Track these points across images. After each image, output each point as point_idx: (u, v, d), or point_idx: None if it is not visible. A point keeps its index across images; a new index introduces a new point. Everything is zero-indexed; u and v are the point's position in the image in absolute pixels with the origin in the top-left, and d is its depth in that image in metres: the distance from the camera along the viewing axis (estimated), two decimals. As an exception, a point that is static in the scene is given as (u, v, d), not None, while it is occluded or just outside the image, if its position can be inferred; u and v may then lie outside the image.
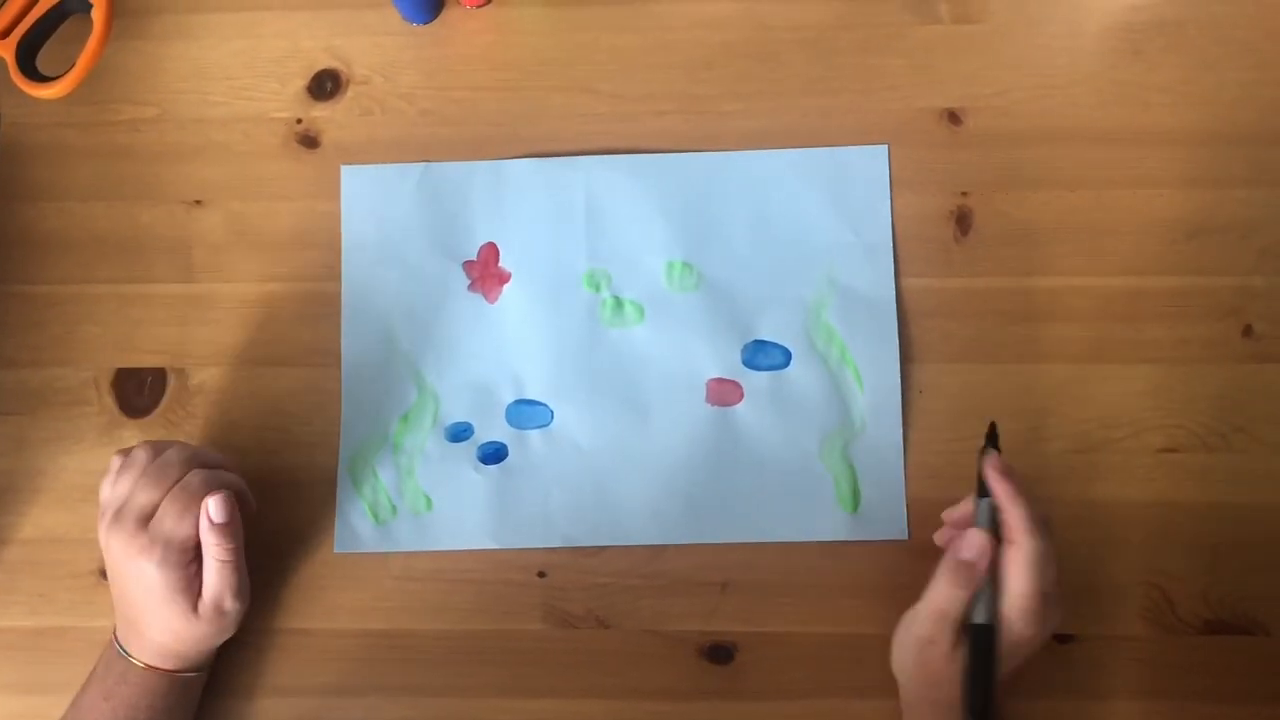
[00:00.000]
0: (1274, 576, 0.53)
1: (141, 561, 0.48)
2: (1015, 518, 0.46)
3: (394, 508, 0.55)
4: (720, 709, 0.53)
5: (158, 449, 0.51)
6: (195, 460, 0.51)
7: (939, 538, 0.51)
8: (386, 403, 0.56)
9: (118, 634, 0.51)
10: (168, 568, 0.49)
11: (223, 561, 0.49)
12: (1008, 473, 0.47)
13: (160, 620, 0.49)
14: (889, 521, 0.54)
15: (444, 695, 0.54)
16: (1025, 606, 0.46)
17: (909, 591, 0.53)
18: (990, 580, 0.47)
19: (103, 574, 0.55)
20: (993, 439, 0.49)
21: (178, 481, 0.50)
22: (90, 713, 0.50)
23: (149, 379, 0.57)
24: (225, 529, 0.49)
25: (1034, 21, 0.59)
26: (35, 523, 0.56)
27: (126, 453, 0.51)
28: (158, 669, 0.50)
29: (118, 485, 0.50)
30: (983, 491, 0.48)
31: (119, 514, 0.49)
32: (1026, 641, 0.46)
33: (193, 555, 0.50)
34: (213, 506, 0.49)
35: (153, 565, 0.48)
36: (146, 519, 0.49)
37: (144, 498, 0.49)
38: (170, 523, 0.49)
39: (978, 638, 0.46)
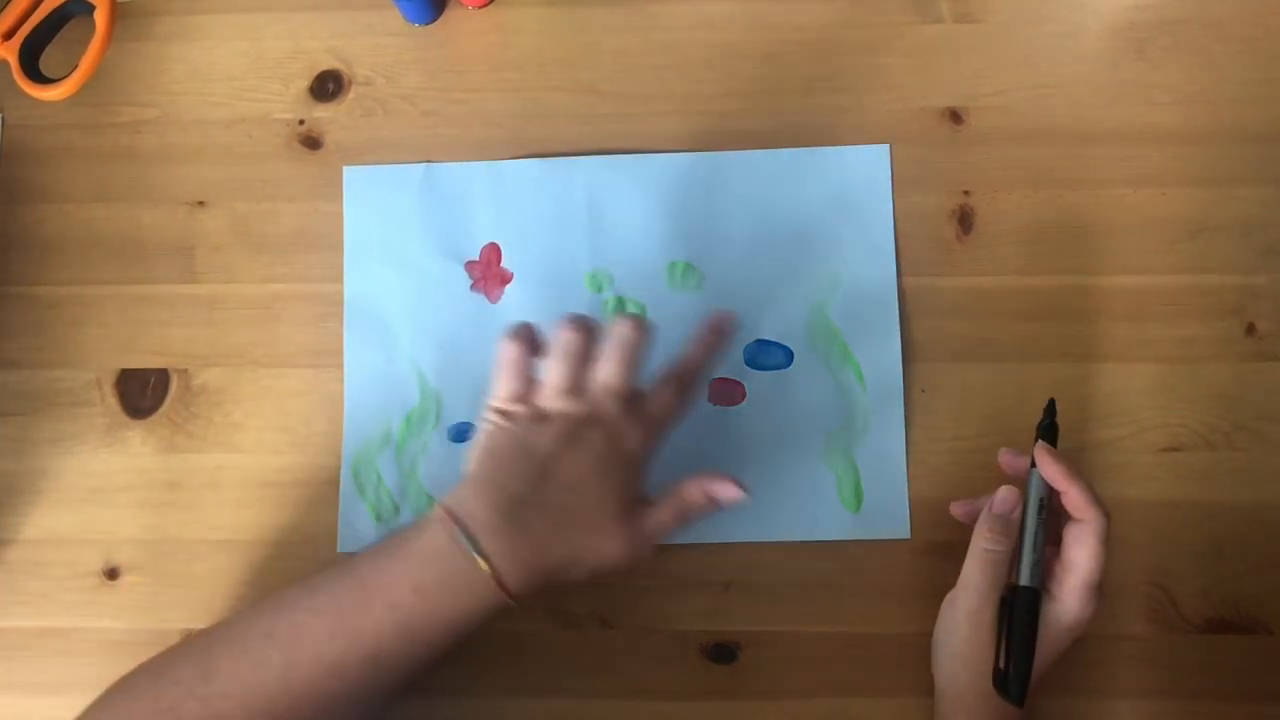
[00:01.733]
0: (1277, 575, 0.53)
1: (626, 430, 0.45)
2: (1079, 493, 0.47)
3: (397, 508, 0.56)
4: (723, 708, 0.53)
5: (590, 330, 0.46)
6: (647, 330, 0.47)
7: (955, 509, 0.52)
8: (389, 403, 0.56)
9: (476, 529, 0.43)
10: (650, 450, 0.45)
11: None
12: (1059, 455, 0.48)
13: (588, 515, 0.44)
14: (892, 521, 0.54)
15: (448, 695, 0.54)
16: (1092, 583, 0.46)
17: (912, 590, 0.53)
18: (1033, 546, 0.47)
19: (109, 574, 0.56)
20: (1050, 414, 0.50)
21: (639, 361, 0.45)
22: (386, 596, 0.42)
23: (152, 380, 0.58)
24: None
25: (1036, 20, 0.59)
26: (38, 524, 0.56)
27: (523, 339, 0.46)
28: (508, 584, 0.43)
29: (558, 369, 0.45)
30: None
31: (589, 392, 0.45)
32: (1081, 626, 0.47)
33: None
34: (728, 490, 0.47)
35: (641, 435, 0.45)
36: (630, 399, 0.45)
37: (626, 377, 0.45)
38: (669, 407, 0.46)
39: (1020, 601, 0.46)
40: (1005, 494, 0.49)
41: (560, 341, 0.47)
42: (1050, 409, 0.51)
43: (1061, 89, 0.58)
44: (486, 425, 0.48)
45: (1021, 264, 0.57)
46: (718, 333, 0.51)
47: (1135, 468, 0.54)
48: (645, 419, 0.47)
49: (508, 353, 0.47)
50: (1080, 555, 0.47)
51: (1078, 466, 0.48)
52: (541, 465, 0.45)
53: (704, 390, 0.54)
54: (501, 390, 0.48)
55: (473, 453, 0.47)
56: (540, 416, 0.46)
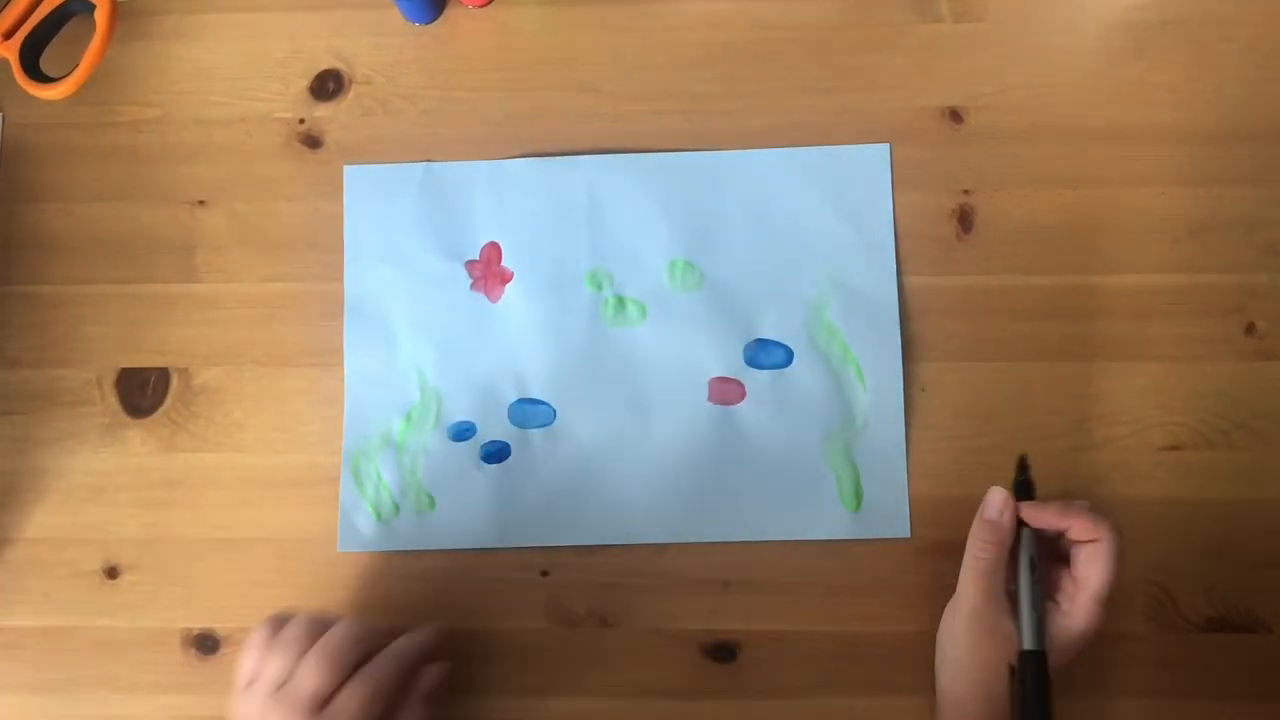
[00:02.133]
0: (1276, 574, 0.53)
1: None
2: (1082, 522, 0.48)
3: (397, 507, 0.56)
4: (723, 707, 0.53)
5: (318, 625, 0.48)
6: (368, 640, 0.48)
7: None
8: (389, 402, 0.56)
9: None
10: None
11: None
12: (1045, 503, 0.49)
13: None
14: (891, 520, 0.54)
15: (447, 693, 0.54)
16: (1103, 597, 0.47)
17: (912, 589, 0.53)
18: (1030, 606, 0.47)
19: (109, 573, 0.56)
20: (1023, 471, 0.50)
21: (356, 666, 0.47)
22: None
23: (152, 379, 0.58)
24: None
25: (1035, 20, 0.59)
26: (39, 523, 0.56)
27: (277, 623, 0.48)
28: None
29: (273, 660, 0.47)
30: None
31: (284, 693, 0.46)
32: (1089, 636, 0.47)
33: None
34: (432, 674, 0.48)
35: None
36: (320, 705, 0.45)
37: (316, 680, 0.46)
38: (353, 715, 0.45)
39: (1028, 666, 0.46)
40: (994, 498, 0.49)
41: (282, 633, 0.48)
42: (1022, 465, 0.50)
43: (1061, 88, 0.58)
44: (231, 705, 0.48)
45: (1022, 263, 0.57)
46: (431, 637, 0.50)
47: (1135, 467, 0.54)
48: None
49: (251, 637, 0.49)
50: (1094, 572, 0.47)
51: (1064, 502, 0.49)
52: None
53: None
54: (239, 669, 0.48)
55: None
56: (254, 714, 0.47)
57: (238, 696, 0.48)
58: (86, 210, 0.59)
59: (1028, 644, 0.47)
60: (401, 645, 0.49)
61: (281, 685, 0.46)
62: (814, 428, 0.55)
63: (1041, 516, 0.49)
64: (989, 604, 0.48)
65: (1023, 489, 0.50)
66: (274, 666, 0.47)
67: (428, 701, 0.50)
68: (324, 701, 0.46)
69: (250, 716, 0.46)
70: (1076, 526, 0.48)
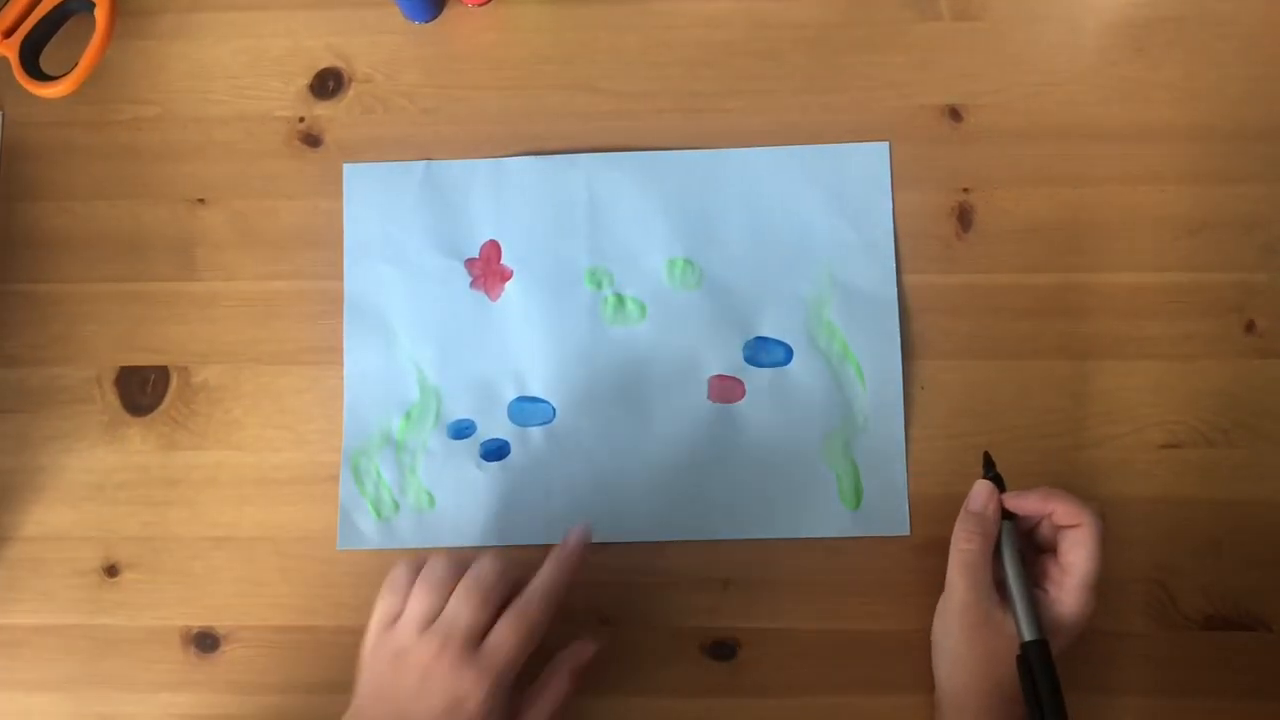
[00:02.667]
0: (1275, 572, 0.53)
1: (466, 687, 0.44)
2: (1065, 505, 0.48)
3: (396, 505, 0.56)
4: (723, 705, 0.53)
5: (461, 563, 0.48)
6: (515, 573, 0.47)
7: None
8: (389, 400, 0.57)
9: None
10: (495, 700, 0.45)
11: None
12: (1025, 490, 0.49)
13: None
14: (891, 518, 0.54)
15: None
16: (1091, 583, 0.47)
17: (911, 587, 0.53)
18: (1023, 597, 0.47)
19: (108, 571, 0.56)
20: (989, 467, 0.51)
21: (506, 600, 0.46)
22: None
23: (152, 377, 0.58)
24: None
25: (1034, 18, 0.59)
26: (38, 521, 0.56)
27: (416, 563, 0.48)
28: None
29: (419, 597, 0.47)
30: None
31: (437, 628, 0.45)
32: (1080, 624, 0.48)
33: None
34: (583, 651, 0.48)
35: (481, 693, 0.44)
36: (478, 639, 0.45)
37: (471, 614, 0.46)
38: (510, 650, 0.45)
39: (1034, 655, 0.46)
40: (979, 490, 0.50)
41: (425, 571, 0.48)
42: (988, 461, 0.51)
43: (1061, 86, 0.58)
44: (368, 645, 0.48)
45: (1021, 261, 0.57)
46: (575, 551, 0.49)
47: (1134, 465, 0.54)
48: (485, 668, 0.45)
49: (391, 576, 0.48)
50: (1079, 557, 0.47)
51: (1047, 487, 0.49)
52: (400, 712, 0.46)
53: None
54: (377, 610, 0.48)
55: (359, 675, 0.48)
56: (402, 651, 0.46)
57: (376, 637, 0.47)
58: (86, 208, 0.59)
59: (1028, 635, 0.47)
60: (547, 580, 0.48)
61: (430, 622, 0.46)
62: (814, 426, 0.55)
63: (1025, 503, 0.49)
64: (979, 596, 0.48)
65: (994, 484, 0.51)
66: (420, 604, 0.46)
67: (575, 676, 0.49)
68: (481, 635, 0.46)
69: (400, 653, 0.46)
70: (1060, 510, 0.48)
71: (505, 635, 0.46)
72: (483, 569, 0.47)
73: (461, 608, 0.46)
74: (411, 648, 0.46)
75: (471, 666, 0.45)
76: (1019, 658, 0.47)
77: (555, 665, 0.49)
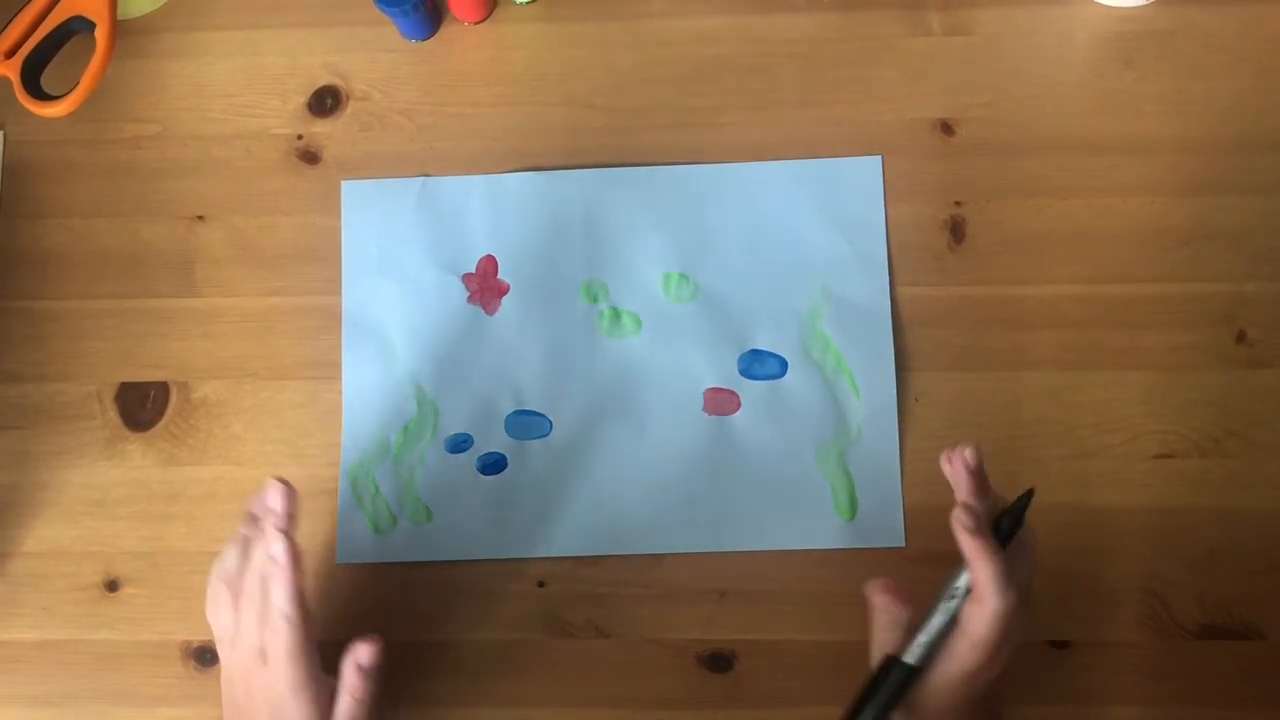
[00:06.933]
0: (1269, 581, 0.54)
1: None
2: (982, 576, 0.44)
3: (395, 519, 0.56)
4: (720, 717, 0.53)
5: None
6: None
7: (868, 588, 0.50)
8: (387, 415, 0.57)
9: None
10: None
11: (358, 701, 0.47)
12: (978, 530, 0.44)
13: None
14: (886, 529, 0.55)
15: (445, 705, 0.54)
16: (983, 644, 0.44)
17: (907, 599, 0.53)
18: (928, 627, 0.46)
19: (109, 586, 0.56)
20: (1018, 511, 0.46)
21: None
22: None
23: (152, 393, 0.58)
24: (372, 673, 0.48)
25: (1024, 32, 0.60)
26: (39, 536, 0.57)
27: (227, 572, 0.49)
28: None
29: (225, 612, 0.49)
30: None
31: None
32: (972, 682, 0.45)
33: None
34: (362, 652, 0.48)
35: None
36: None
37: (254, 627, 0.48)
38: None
39: (892, 674, 0.46)
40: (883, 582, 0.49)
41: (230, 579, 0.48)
42: (1024, 501, 0.46)
43: (1051, 100, 0.59)
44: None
45: (1013, 273, 0.57)
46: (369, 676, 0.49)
47: (1127, 475, 0.55)
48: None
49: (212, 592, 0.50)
50: (973, 626, 0.44)
51: (992, 545, 0.44)
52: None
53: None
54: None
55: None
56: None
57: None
58: (87, 226, 0.60)
59: (907, 656, 0.45)
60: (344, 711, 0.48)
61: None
62: (808, 438, 0.56)
63: (970, 542, 0.44)
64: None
65: (1008, 527, 0.46)
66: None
67: (365, 674, 0.48)
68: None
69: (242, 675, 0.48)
70: (978, 576, 0.44)
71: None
72: (269, 560, 0.47)
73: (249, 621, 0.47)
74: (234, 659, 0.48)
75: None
76: (881, 664, 0.46)
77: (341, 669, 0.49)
